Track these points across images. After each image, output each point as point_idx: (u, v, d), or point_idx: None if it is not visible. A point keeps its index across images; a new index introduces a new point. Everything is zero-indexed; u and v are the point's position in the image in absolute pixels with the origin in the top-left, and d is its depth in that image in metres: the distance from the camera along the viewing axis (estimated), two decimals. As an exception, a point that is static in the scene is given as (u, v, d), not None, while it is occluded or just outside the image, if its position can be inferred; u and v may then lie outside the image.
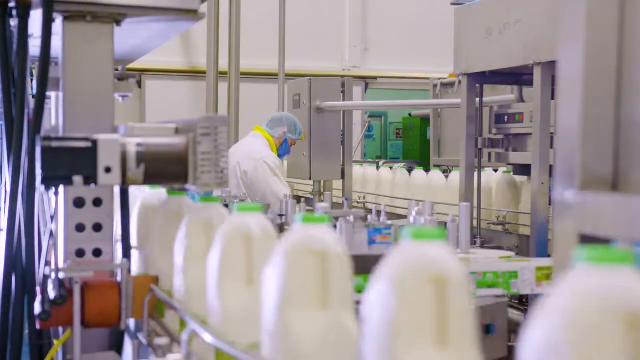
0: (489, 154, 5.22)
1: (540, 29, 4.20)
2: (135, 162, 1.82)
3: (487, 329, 2.99)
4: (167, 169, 1.85)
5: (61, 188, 2.03)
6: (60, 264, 2.05)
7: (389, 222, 3.34)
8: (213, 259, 1.58)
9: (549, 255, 4.00)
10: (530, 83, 4.57)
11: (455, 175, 5.84)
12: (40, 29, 2.00)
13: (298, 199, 6.90)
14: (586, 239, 1.26)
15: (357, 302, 1.54)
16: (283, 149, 6.18)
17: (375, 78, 13.05)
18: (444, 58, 8.74)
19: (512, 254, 3.46)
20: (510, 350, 3.20)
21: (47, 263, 1.98)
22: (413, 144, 11.94)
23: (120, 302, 1.94)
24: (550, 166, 4.23)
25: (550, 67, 4.16)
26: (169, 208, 2.05)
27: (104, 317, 1.94)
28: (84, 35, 2.11)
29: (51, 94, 2.48)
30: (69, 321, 1.92)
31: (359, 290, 2.51)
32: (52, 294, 1.89)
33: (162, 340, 1.69)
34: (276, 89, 10.42)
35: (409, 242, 1.04)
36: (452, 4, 5.87)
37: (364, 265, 2.58)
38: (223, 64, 10.21)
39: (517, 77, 4.95)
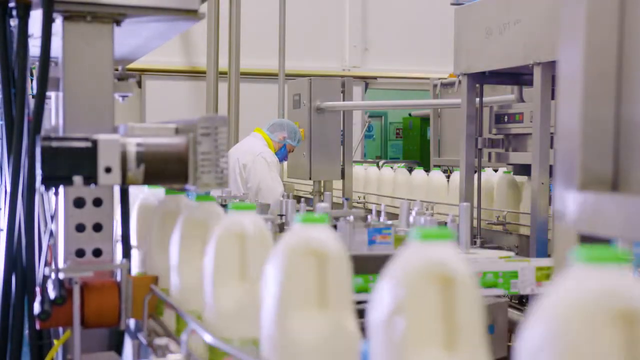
0: (489, 154, 5.22)
1: (540, 29, 4.20)
2: (135, 162, 1.82)
3: (487, 329, 2.99)
4: (167, 169, 1.85)
5: (61, 188, 2.03)
6: (60, 264, 2.05)
7: (389, 222, 3.34)
8: (208, 257, 1.60)
9: (549, 255, 4.00)
10: (530, 83, 4.57)
11: (456, 176, 5.84)
12: (40, 29, 2.00)
13: (298, 199, 6.90)
14: (586, 239, 1.26)
15: (357, 302, 1.55)
16: (281, 153, 6.24)
17: (375, 78, 13.05)
18: (444, 58, 8.74)
19: (512, 254, 3.46)
20: (510, 350, 3.20)
21: (47, 263, 1.98)
22: (413, 144, 11.94)
23: (120, 302, 1.94)
24: (550, 166, 4.24)
25: (550, 67, 4.16)
26: (166, 207, 2.06)
27: (103, 317, 1.94)
28: (84, 35, 2.11)
29: (51, 94, 2.47)
30: (68, 321, 1.92)
31: (359, 290, 2.51)
32: (52, 294, 1.89)
33: (162, 340, 1.69)
34: (276, 89, 10.41)
35: (417, 243, 1.03)
36: (452, 4, 5.87)
37: (364, 265, 2.59)
38: (223, 64, 10.21)
39: (517, 77, 4.95)
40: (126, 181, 1.83)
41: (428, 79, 9.25)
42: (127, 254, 2.14)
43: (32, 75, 2.43)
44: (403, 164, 8.38)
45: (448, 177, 6.45)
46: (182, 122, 1.92)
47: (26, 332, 2.16)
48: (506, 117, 5.00)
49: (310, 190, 7.36)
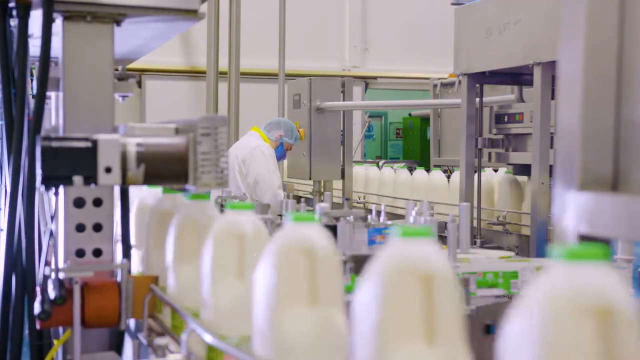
0: (489, 154, 5.22)
1: (540, 29, 4.20)
2: (135, 162, 1.82)
3: (487, 329, 2.99)
4: (167, 169, 1.85)
5: (61, 188, 2.03)
6: (60, 264, 2.05)
7: (389, 222, 3.34)
8: (206, 255, 1.62)
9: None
10: (530, 83, 4.57)
11: (457, 176, 5.84)
12: (40, 29, 2.00)
13: (298, 199, 6.91)
14: (586, 239, 1.26)
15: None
16: (279, 152, 6.25)
17: (375, 78, 13.05)
18: (444, 58, 8.74)
19: (512, 254, 3.45)
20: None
21: (47, 263, 1.98)
22: (413, 144, 11.93)
23: (120, 302, 1.94)
24: (550, 166, 4.24)
25: (550, 67, 4.16)
26: (163, 207, 2.07)
27: (103, 317, 1.94)
28: (84, 35, 2.11)
29: (51, 94, 2.47)
30: (68, 321, 1.92)
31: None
32: (52, 294, 1.89)
33: (162, 340, 1.70)
34: (276, 89, 10.41)
35: (398, 241, 1.06)
36: (452, 4, 5.87)
37: (364, 265, 2.59)
38: (223, 64, 10.21)
39: (517, 77, 4.95)
40: (126, 181, 1.83)
41: (428, 79, 9.25)
42: (127, 254, 2.14)
43: (32, 75, 2.43)
44: (403, 164, 8.38)
45: (448, 177, 6.45)
46: (182, 122, 1.92)
47: (26, 332, 2.16)
48: (506, 117, 5.00)
49: (310, 190, 7.36)
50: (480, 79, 4.93)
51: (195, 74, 11.76)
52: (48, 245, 2.00)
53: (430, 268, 1.03)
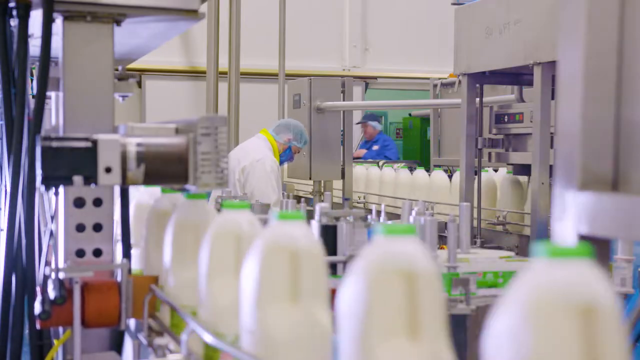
0: (489, 154, 5.22)
1: (540, 29, 4.20)
2: (135, 162, 1.82)
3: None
4: (167, 169, 1.85)
5: (61, 188, 2.03)
6: (60, 264, 2.05)
7: (389, 222, 3.34)
8: (204, 254, 1.63)
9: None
10: (530, 83, 4.57)
11: (458, 176, 5.83)
12: (40, 29, 2.00)
13: (298, 199, 6.91)
14: (586, 239, 1.26)
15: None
16: (286, 155, 6.14)
17: (375, 78, 13.05)
18: (444, 58, 8.76)
19: (512, 254, 3.45)
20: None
21: (47, 263, 1.98)
22: (413, 144, 11.94)
23: (120, 302, 1.94)
24: (550, 166, 4.24)
25: (550, 67, 4.16)
26: (161, 206, 2.07)
27: (103, 317, 1.94)
28: (84, 35, 2.11)
29: (51, 94, 2.48)
30: (69, 321, 1.92)
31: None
32: (52, 294, 1.89)
33: (162, 340, 1.70)
34: (276, 89, 10.41)
35: (381, 239, 1.08)
36: (452, 4, 5.88)
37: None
38: (223, 64, 10.21)
39: (517, 77, 4.95)
40: (126, 181, 1.83)
41: (428, 79, 9.25)
42: (127, 254, 2.14)
43: (32, 75, 2.43)
44: (403, 164, 8.38)
45: (450, 177, 6.44)
46: (182, 122, 1.92)
47: (26, 332, 2.16)
48: (506, 117, 5.00)
49: (310, 190, 7.36)
50: (480, 79, 4.93)
51: (195, 74, 11.76)
52: (48, 245, 2.00)
53: (413, 265, 1.05)
